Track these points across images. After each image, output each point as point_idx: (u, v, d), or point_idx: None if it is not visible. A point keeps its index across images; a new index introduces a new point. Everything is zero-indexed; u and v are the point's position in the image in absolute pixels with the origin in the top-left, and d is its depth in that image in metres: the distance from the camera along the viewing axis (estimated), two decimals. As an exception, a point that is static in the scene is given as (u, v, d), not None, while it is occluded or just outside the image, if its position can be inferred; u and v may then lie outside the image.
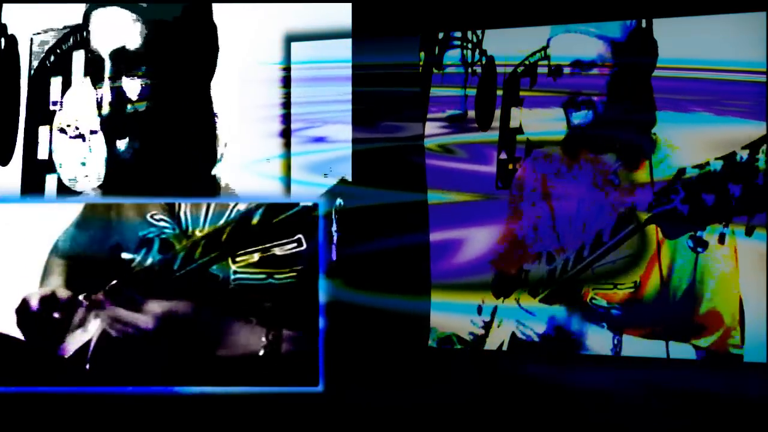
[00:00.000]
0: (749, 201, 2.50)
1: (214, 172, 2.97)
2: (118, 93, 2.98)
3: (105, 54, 2.98)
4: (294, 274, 2.54)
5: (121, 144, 3.00)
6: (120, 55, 2.95)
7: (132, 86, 2.97)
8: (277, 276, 2.54)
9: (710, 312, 2.56)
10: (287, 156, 2.95)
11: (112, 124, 3.01)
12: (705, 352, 2.56)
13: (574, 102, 2.70)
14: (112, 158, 3.02)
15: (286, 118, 2.95)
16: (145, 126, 2.99)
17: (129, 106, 2.98)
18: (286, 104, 2.95)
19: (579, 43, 2.69)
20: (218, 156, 2.97)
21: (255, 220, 2.47)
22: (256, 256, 2.52)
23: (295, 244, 2.52)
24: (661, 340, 2.61)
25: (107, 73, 2.98)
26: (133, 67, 2.96)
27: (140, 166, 3.00)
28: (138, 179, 2.98)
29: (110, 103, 2.99)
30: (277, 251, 2.52)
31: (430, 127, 2.86)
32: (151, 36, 2.95)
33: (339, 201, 2.90)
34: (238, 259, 2.52)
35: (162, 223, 2.59)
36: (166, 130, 2.98)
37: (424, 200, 2.85)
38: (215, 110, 2.98)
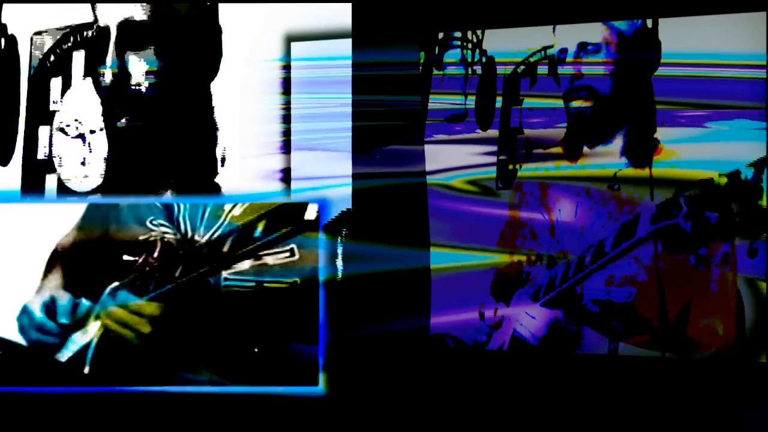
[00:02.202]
0: (752, 221, 2.47)
1: (216, 180, 2.97)
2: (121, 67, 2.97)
3: (112, 27, 2.97)
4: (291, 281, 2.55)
5: (121, 124, 2.99)
6: (128, 28, 2.94)
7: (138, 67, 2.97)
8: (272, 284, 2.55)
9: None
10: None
11: (113, 109, 3.00)
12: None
13: (574, 90, 2.68)
14: (113, 157, 3.02)
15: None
16: (147, 122, 3.00)
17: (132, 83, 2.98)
18: (286, 118, 2.95)
19: (585, 29, 2.68)
20: (219, 162, 2.97)
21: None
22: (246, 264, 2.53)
23: (288, 254, 2.52)
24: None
25: (112, 50, 2.97)
26: (140, 45, 2.95)
27: (140, 167, 3.00)
28: (138, 181, 2.98)
29: (112, 80, 2.98)
30: (269, 260, 2.52)
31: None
32: (158, 23, 2.95)
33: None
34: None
35: (162, 228, 2.60)
36: (167, 135, 2.99)
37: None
38: (216, 116, 2.98)
